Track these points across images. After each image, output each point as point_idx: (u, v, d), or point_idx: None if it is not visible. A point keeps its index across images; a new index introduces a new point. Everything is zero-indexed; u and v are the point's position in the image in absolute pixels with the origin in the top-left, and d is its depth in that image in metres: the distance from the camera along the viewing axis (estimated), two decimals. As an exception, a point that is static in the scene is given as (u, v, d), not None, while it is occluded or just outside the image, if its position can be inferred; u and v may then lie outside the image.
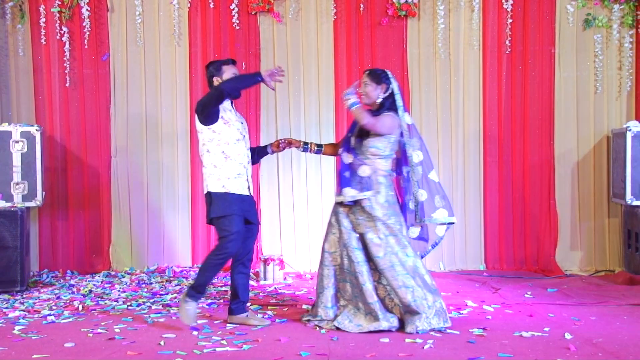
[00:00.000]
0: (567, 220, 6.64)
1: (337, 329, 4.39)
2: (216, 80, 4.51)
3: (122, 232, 6.61)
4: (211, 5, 6.56)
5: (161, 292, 5.62)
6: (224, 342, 4.13)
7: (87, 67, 6.59)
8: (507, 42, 6.58)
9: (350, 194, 4.46)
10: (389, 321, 4.34)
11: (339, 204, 4.56)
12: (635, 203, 6.05)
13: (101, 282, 6.03)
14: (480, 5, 6.58)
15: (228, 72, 4.51)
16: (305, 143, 4.79)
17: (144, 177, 6.63)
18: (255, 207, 4.68)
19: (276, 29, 6.64)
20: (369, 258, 4.43)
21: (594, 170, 6.63)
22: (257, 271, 6.20)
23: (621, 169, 6.16)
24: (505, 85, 6.62)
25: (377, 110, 4.51)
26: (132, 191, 6.61)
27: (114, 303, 5.23)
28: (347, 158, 4.57)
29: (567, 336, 4.18)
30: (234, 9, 6.52)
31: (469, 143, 6.64)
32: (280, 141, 4.79)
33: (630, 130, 6.05)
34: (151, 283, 6.00)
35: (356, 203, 4.47)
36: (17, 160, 5.81)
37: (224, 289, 5.70)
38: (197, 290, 4.44)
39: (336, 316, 4.46)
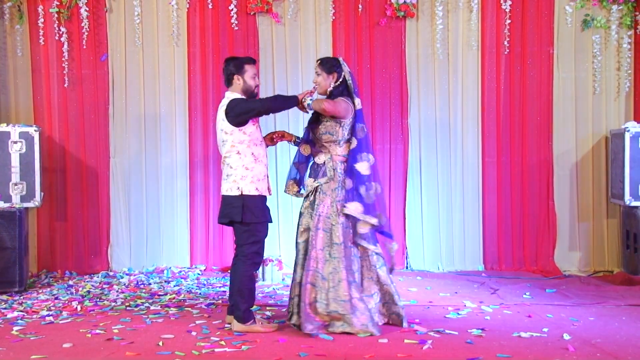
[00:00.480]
0: (566, 221, 6.64)
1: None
2: (237, 78, 4.45)
3: (121, 233, 6.61)
4: (210, 6, 6.56)
5: (160, 293, 5.61)
6: (222, 342, 4.12)
7: (86, 68, 6.58)
8: (505, 42, 6.58)
9: (308, 184, 4.51)
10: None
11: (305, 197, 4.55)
12: (634, 203, 6.05)
13: (100, 283, 6.03)
14: (479, 6, 6.58)
15: (250, 72, 4.48)
16: (298, 137, 4.78)
17: (142, 178, 6.63)
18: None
19: (275, 30, 6.64)
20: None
21: (592, 171, 6.64)
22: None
23: (620, 170, 6.15)
24: (504, 85, 6.62)
25: (329, 98, 4.49)
26: (131, 192, 6.61)
27: (113, 303, 5.23)
28: (306, 150, 4.58)
29: (566, 337, 4.18)
30: (232, 10, 6.52)
31: (467, 143, 6.64)
32: (274, 135, 4.78)
33: (628, 130, 6.05)
34: (150, 284, 6.00)
35: (316, 190, 4.47)
36: (15, 161, 5.81)
37: (223, 289, 5.70)
38: (248, 312, 4.39)
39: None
